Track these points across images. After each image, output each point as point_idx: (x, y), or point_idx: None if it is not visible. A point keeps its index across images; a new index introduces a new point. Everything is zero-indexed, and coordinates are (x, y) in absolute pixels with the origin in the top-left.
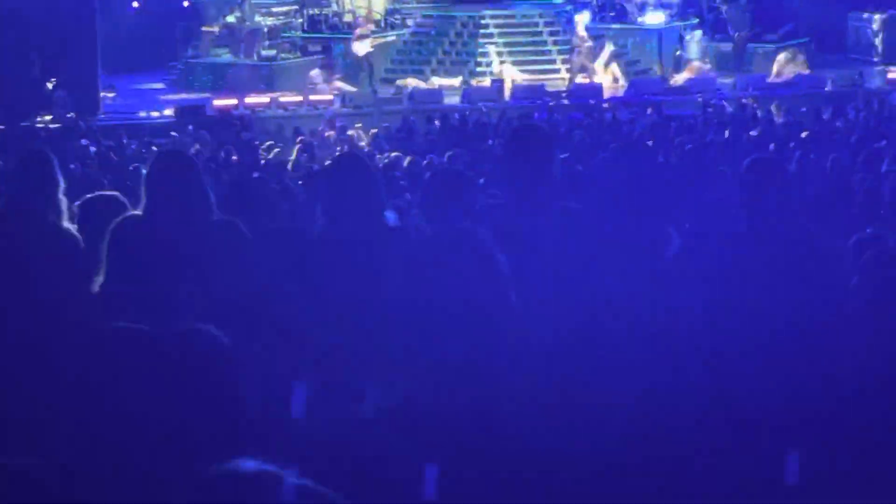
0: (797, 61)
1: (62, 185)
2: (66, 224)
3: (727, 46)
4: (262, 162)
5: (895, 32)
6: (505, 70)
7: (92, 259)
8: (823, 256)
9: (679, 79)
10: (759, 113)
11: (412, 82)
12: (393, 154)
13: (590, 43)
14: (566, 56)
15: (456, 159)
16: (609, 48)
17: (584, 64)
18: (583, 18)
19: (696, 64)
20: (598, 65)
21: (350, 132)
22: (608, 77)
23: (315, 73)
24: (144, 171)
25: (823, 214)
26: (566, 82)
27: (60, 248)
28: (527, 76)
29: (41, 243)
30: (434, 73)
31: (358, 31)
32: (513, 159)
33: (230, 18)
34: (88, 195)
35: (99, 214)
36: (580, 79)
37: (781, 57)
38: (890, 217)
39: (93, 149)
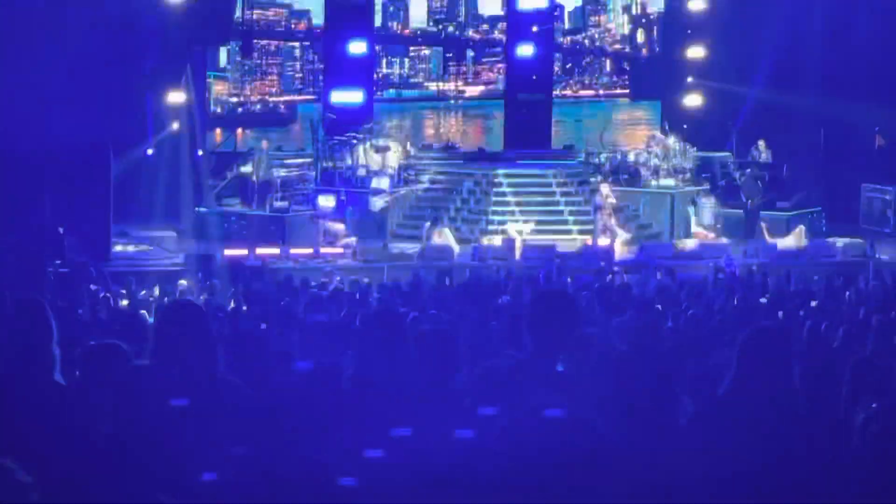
0: (797, 233)
1: (55, 334)
2: (57, 376)
3: (739, 213)
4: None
5: None
6: (512, 230)
7: (91, 409)
8: (826, 432)
9: (687, 245)
10: (769, 280)
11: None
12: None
13: (613, 201)
14: (590, 216)
15: (464, 316)
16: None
17: (606, 224)
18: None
19: (702, 233)
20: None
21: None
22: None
23: (334, 225)
24: (152, 320)
25: (828, 387)
26: (577, 243)
27: (46, 402)
28: (538, 236)
29: (28, 397)
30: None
31: (373, 187)
32: (537, 323)
33: (243, 169)
34: (90, 343)
35: (100, 363)
36: (602, 239)
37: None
38: None
39: (102, 295)
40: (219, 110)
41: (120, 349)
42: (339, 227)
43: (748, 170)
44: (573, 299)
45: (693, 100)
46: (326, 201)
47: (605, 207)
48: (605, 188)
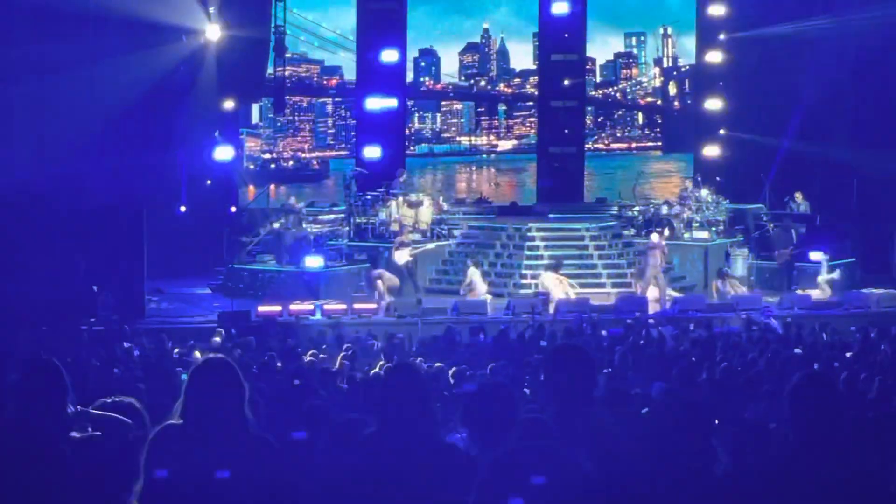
0: (826, 284)
1: (70, 393)
2: (75, 434)
3: (772, 264)
4: (306, 369)
5: None
6: (552, 284)
7: (105, 466)
8: (872, 483)
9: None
10: (802, 332)
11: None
12: (437, 365)
13: (664, 256)
14: (623, 269)
15: (498, 371)
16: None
17: (655, 276)
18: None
19: (732, 286)
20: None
21: (395, 340)
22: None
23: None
24: (185, 377)
25: (867, 439)
26: (611, 297)
27: (60, 463)
28: (573, 290)
29: (41, 459)
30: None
31: (398, 240)
32: (553, 376)
33: (276, 225)
34: (104, 399)
35: (115, 420)
36: (651, 291)
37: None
38: None
39: (136, 353)
40: (251, 166)
41: (133, 406)
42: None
43: (780, 221)
44: (588, 352)
45: (724, 151)
46: (359, 257)
47: (655, 259)
48: (655, 237)
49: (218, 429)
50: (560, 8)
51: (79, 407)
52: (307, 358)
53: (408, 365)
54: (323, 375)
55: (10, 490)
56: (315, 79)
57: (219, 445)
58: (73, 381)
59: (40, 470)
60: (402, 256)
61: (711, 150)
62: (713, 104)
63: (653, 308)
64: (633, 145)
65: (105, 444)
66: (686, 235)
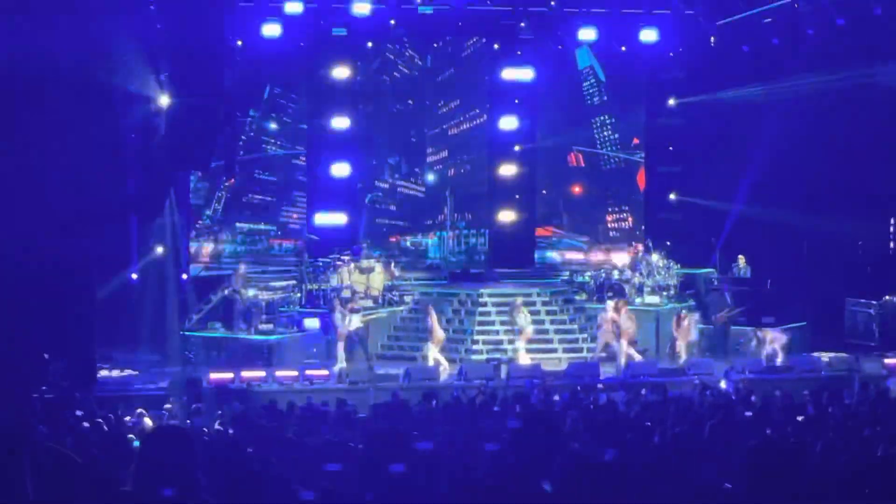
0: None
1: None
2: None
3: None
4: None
5: (890, 319)
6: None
7: None
8: None
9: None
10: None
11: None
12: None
13: (618, 321)
14: (574, 334)
15: (450, 437)
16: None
17: (608, 342)
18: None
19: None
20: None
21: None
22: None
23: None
24: (137, 444)
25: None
26: (561, 362)
27: None
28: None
29: None
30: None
31: (349, 307)
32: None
33: (227, 292)
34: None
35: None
36: (600, 356)
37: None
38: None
39: (85, 423)
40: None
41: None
42: None
43: (719, 286)
44: (557, 421)
45: (675, 216)
46: (311, 323)
47: (607, 327)
48: (612, 305)
49: (168, 495)
50: (510, 74)
51: None
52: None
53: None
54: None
55: None
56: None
57: None
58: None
59: None
60: (354, 322)
61: (662, 214)
62: (673, 168)
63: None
64: None
65: None
66: (637, 300)
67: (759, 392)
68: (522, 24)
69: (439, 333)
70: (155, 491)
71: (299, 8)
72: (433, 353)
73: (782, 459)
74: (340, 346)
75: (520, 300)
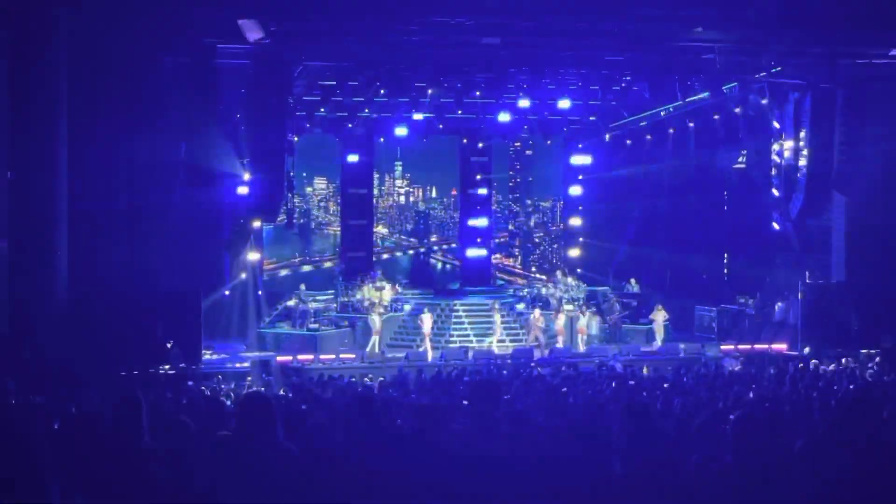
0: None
1: (146, 414)
2: (146, 440)
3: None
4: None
5: (725, 320)
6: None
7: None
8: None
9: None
10: (634, 370)
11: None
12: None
13: (541, 323)
14: (518, 330)
15: (435, 398)
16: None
17: (537, 336)
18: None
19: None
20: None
21: (366, 380)
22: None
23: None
24: (229, 403)
25: (681, 441)
26: (508, 349)
27: (134, 457)
28: (482, 345)
29: (120, 457)
30: (422, 340)
31: (370, 310)
32: (473, 400)
33: (289, 302)
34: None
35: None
36: (533, 344)
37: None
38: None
39: (196, 389)
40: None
41: (185, 425)
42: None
43: (610, 297)
44: (498, 386)
45: (583, 252)
46: (345, 323)
47: (535, 325)
48: (537, 312)
49: (257, 440)
50: (475, 157)
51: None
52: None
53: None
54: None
55: None
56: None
57: (256, 453)
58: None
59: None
60: (377, 323)
61: (574, 252)
62: (575, 221)
63: (537, 356)
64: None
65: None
66: (558, 307)
67: (637, 369)
68: (481, 127)
69: (428, 324)
70: (250, 438)
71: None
72: (428, 344)
73: (649, 415)
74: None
75: (495, 304)
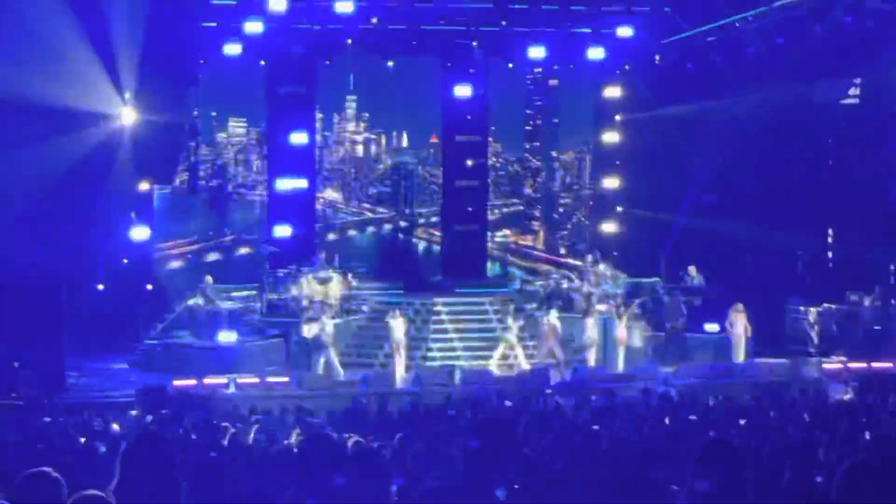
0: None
1: None
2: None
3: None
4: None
5: (830, 326)
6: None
7: None
8: None
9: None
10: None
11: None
12: (346, 436)
13: (558, 332)
14: (526, 341)
15: (406, 442)
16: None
17: (553, 350)
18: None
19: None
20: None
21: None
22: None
23: None
24: (103, 449)
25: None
26: (513, 369)
27: None
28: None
29: None
30: (387, 356)
31: (307, 315)
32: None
33: (191, 302)
34: (26, 473)
35: (34, 493)
36: (548, 362)
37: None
38: None
39: (55, 427)
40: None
41: (53, 478)
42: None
43: (672, 294)
44: (514, 426)
45: (621, 227)
46: (271, 331)
47: (550, 334)
48: (552, 316)
49: (149, 498)
50: (463, 91)
51: None
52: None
53: (324, 436)
54: (236, 448)
55: None
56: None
57: None
58: None
59: None
60: (310, 331)
61: (608, 227)
62: (610, 182)
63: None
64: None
65: None
66: (588, 308)
67: (702, 396)
68: (475, 44)
69: (400, 331)
70: (134, 494)
71: (259, 27)
72: (399, 361)
73: (728, 461)
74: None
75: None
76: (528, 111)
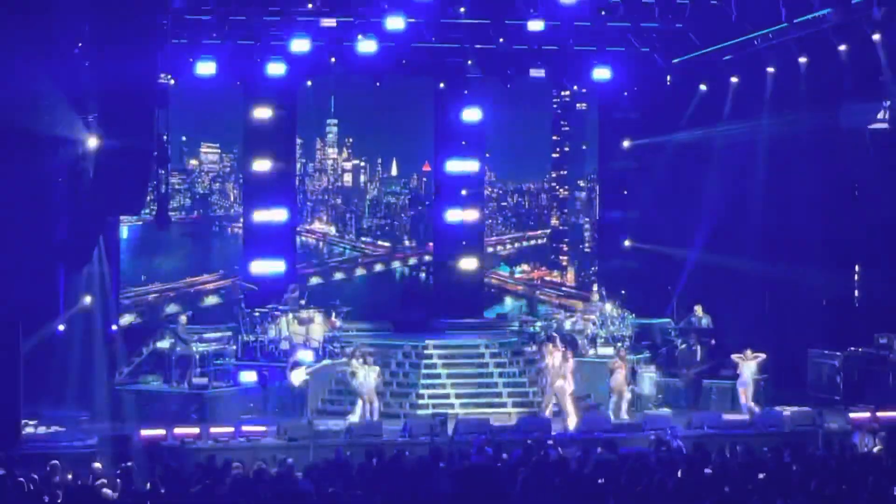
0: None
1: None
2: None
3: (678, 382)
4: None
5: (855, 372)
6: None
7: None
8: None
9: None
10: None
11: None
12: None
13: (568, 373)
14: (524, 388)
15: (393, 497)
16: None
17: (556, 392)
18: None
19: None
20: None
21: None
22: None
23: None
24: None
25: None
26: (511, 417)
27: None
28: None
29: None
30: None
31: (292, 360)
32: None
33: (160, 344)
34: None
35: None
36: (550, 408)
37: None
38: None
39: (10, 480)
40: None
41: None
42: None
43: (686, 338)
44: (498, 475)
45: (628, 263)
46: (248, 377)
47: (553, 377)
48: (552, 351)
49: None
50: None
51: None
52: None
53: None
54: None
55: None
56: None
57: None
58: None
59: None
60: (297, 377)
61: (617, 262)
62: (618, 213)
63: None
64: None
65: None
66: (590, 352)
67: (718, 448)
68: (469, 63)
69: (371, 380)
70: None
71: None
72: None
73: None
74: (360, 403)
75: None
76: (554, 137)
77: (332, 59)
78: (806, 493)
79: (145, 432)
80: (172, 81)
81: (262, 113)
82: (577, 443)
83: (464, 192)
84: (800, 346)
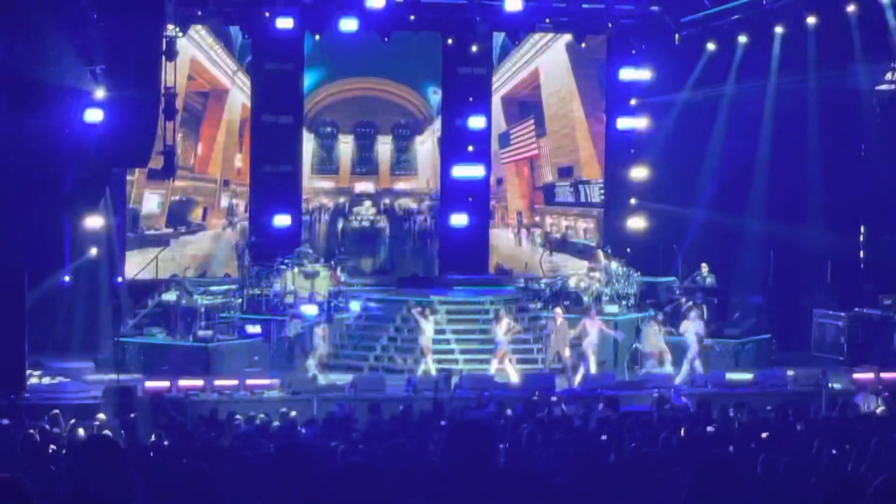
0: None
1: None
2: None
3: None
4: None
5: (860, 333)
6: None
7: None
8: None
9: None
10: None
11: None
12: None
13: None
14: (528, 344)
15: (398, 449)
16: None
17: (559, 351)
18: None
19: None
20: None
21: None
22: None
23: None
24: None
25: None
26: (517, 374)
27: None
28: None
29: None
30: (378, 359)
31: (291, 313)
32: (452, 458)
33: (165, 297)
34: None
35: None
36: (555, 365)
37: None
38: None
39: (15, 429)
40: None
41: (20, 484)
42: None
43: (691, 296)
44: (490, 430)
45: (637, 222)
46: (254, 329)
47: (557, 335)
48: (558, 314)
49: None
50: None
51: None
52: None
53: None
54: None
55: None
56: None
57: None
58: None
59: None
60: (293, 329)
61: (624, 221)
62: (638, 173)
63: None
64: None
65: None
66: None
67: (721, 407)
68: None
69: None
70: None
71: None
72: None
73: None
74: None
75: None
76: None
77: None
78: (808, 454)
79: (150, 384)
80: (180, 34)
81: (269, 66)
82: (578, 400)
83: (470, 149)
84: (805, 306)
